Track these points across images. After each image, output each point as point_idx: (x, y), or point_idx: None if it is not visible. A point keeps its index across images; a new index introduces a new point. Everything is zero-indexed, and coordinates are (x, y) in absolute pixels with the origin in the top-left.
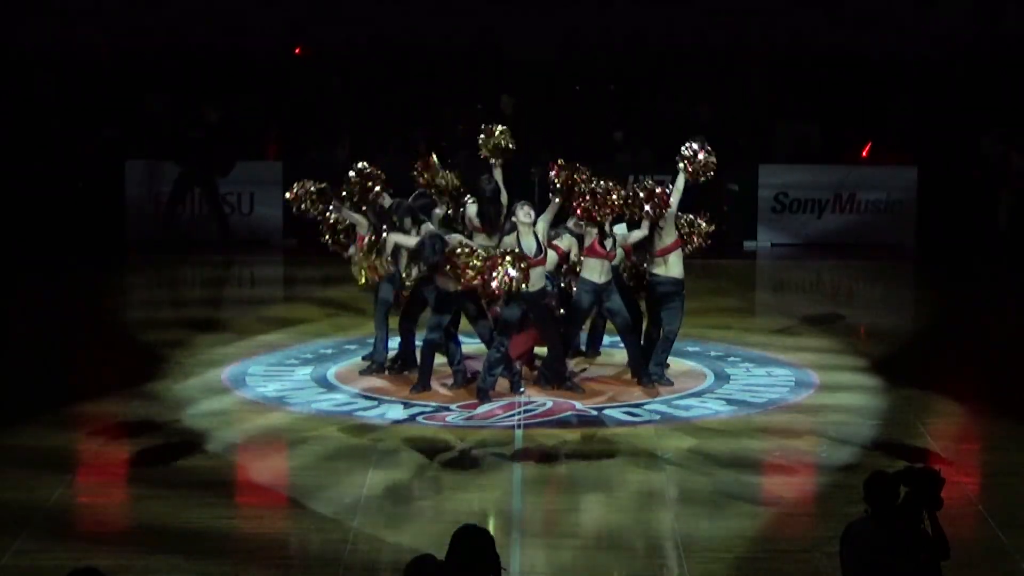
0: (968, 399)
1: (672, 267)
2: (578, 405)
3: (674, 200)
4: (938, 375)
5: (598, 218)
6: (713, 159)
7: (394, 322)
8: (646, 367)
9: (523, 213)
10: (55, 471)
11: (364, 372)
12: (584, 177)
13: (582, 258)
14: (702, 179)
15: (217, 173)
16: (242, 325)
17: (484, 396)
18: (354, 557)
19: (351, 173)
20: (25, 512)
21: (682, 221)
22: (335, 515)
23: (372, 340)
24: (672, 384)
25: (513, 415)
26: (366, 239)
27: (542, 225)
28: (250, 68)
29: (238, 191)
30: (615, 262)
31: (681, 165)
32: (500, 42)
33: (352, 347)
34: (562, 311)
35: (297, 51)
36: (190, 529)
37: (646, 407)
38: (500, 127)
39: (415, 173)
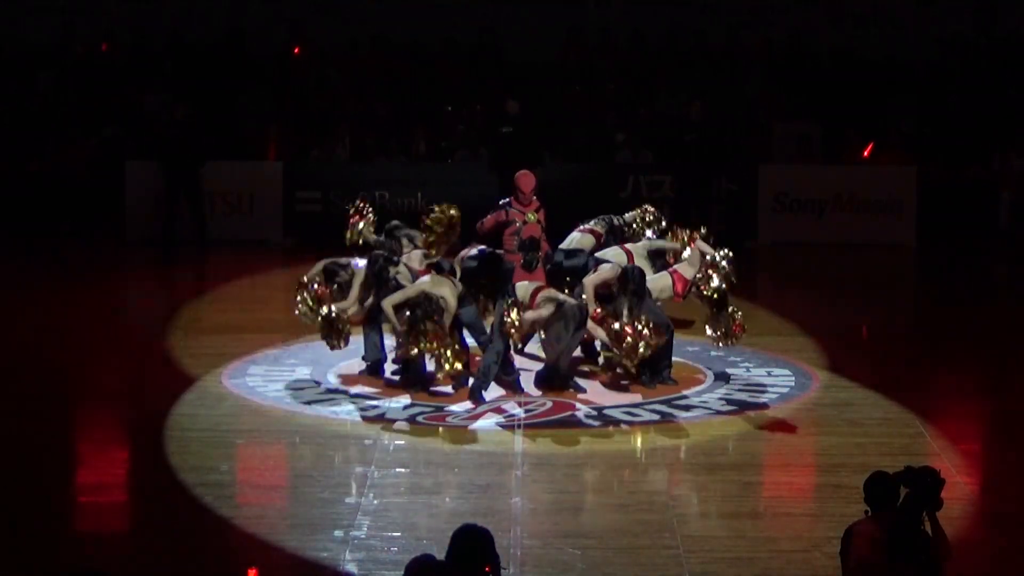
0: (968, 399)
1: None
2: (578, 405)
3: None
4: (938, 375)
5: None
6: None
7: None
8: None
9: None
10: (55, 471)
11: (363, 372)
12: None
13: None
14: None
15: (190, 167)
16: (242, 325)
17: (478, 396)
18: (355, 557)
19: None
20: (25, 511)
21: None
22: (336, 515)
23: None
24: (676, 383)
25: (513, 415)
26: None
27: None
28: (250, 68)
29: (238, 191)
30: None
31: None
32: (501, 43)
33: (352, 347)
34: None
35: (296, 51)
36: (190, 529)
37: (646, 407)
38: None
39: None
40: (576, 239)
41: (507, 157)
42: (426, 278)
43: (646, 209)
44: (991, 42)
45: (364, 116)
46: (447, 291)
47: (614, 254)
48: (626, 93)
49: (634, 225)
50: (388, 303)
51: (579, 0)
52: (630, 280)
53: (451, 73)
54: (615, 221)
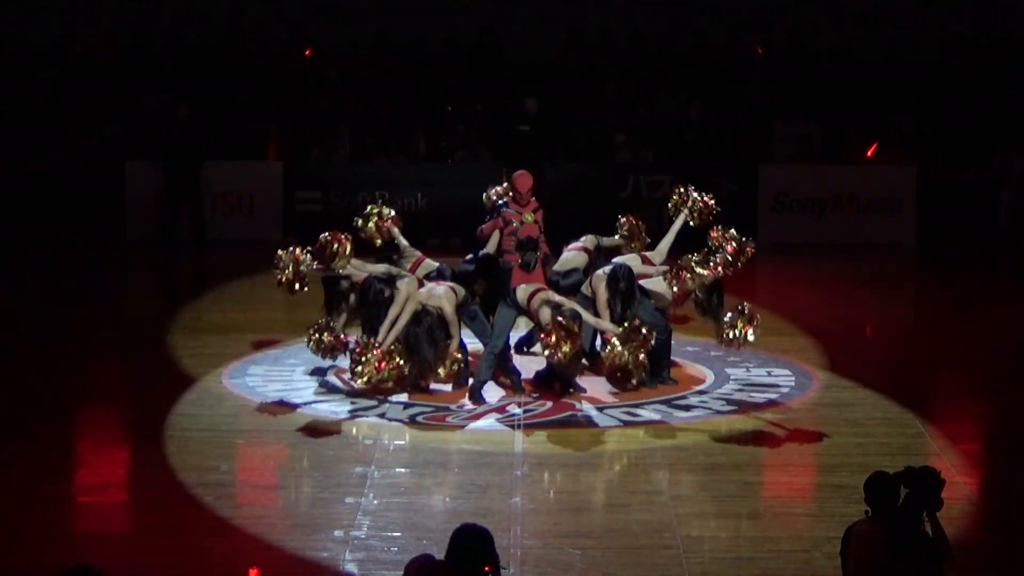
0: (968, 399)
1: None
2: (578, 405)
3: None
4: (938, 375)
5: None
6: (711, 205)
7: None
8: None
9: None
10: (55, 471)
11: None
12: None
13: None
14: (704, 223)
15: (191, 167)
16: (242, 325)
17: (478, 396)
18: (355, 557)
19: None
20: (25, 511)
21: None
22: (336, 515)
23: None
24: (676, 383)
25: (513, 415)
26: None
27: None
28: (250, 68)
29: (238, 191)
30: None
31: (684, 212)
32: (501, 43)
33: (353, 347)
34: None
35: (307, 53)
36: (190, 529)
37: (646, 407)
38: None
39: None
40: (569, 259)
41: (522, 156)
42: (423, 290)
43: (626, 222)
44: (991, 42)
45: (364, 116)
46: (444, 300)
47: (630, 259)
48: (626, 93)
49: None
50: (385, 329)
51: (579, 0)
52: (620, 280)
53: (451, 73)
54: (601, 240)
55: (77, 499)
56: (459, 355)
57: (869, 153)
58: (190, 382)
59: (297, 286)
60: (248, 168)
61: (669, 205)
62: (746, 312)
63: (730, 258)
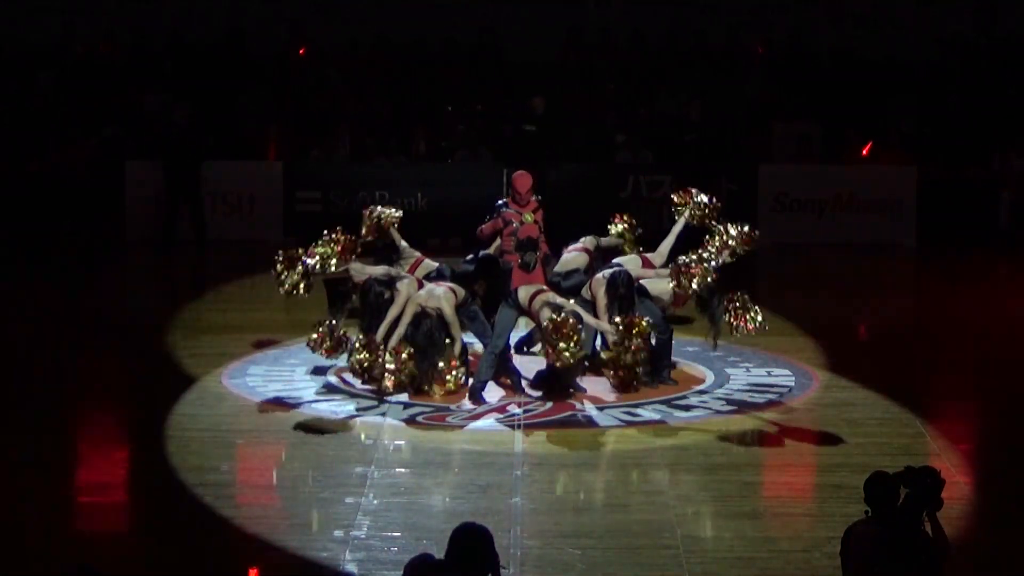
0: (968, 399)
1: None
2: (579, 405)
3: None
4: (938, 375)
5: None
6: (715, 203)
7: None
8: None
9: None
10: (55, 471)
11: None
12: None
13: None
14: (705, 223)
15: (190, 167)
16: (242, 325)
17: (478, 396)
18: (355, 557)
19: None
20: (25, 511)
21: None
22: (336, 515)
23: None
24: (676, 383)
25: (513, 415)
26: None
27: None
28: (250, 68)
29: (238, 191)
30: None
31: (686, 213)
32: (501, 43)
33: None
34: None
35: (301, 52)
36: (190, 529)
37: (646, 407)
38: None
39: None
40: (570, 260)
41: (523, 156)
42: (423, 291)
43: (627, 222)
44: (991, 42)
45: (364, 116)
46: (443, 301)
47: (630, 260)
48: (626, 93)
49: (623, 246)
50: (384, 330)
51: (579, 0)
52: (619, 285)
53: (451, 73)
54: (600, 241)
55: (77, 499)
56: (459, 363)
57: (864, 152)
58: (190, 382)
59: (301, 287)
60: (248, 168)
61: (675, 208)
62: (739, 304)
63: (731, 240)
